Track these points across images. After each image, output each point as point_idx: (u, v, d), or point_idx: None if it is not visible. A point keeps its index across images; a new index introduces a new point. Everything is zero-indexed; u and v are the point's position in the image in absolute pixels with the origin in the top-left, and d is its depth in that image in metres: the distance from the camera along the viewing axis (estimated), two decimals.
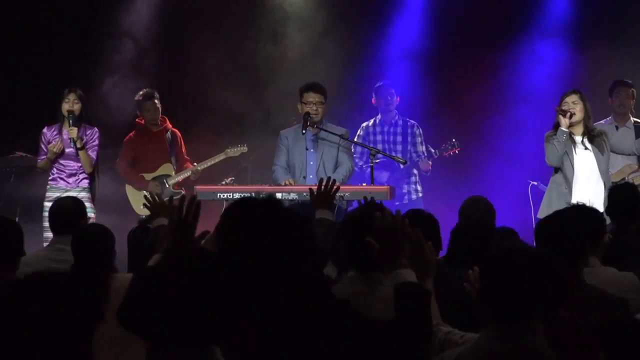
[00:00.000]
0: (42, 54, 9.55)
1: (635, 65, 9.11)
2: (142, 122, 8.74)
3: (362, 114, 9.40)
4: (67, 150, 7.98)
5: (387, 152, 8.57)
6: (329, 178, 4.58)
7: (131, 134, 8.80)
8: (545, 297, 2.97)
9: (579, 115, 7.40)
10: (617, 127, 8.32)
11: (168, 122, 8.84)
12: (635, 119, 8.35)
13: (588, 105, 7.45)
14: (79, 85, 8.23)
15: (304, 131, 7.55)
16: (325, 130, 7.65)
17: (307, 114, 7.53)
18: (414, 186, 8.84)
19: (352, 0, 10.04)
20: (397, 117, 8.88)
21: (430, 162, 8.70)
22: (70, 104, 7.92)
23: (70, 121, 7.88)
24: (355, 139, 8.74)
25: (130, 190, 8.71)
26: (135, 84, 9.23)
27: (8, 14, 9.62)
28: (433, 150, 8.70)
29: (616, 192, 6.03)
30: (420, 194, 8.85)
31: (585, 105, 7.42)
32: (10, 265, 4.20)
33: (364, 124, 8.92)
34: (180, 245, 3.18)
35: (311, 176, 7.61)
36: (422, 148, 8.80)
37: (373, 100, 8.94)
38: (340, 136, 7.64)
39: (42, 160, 8.04)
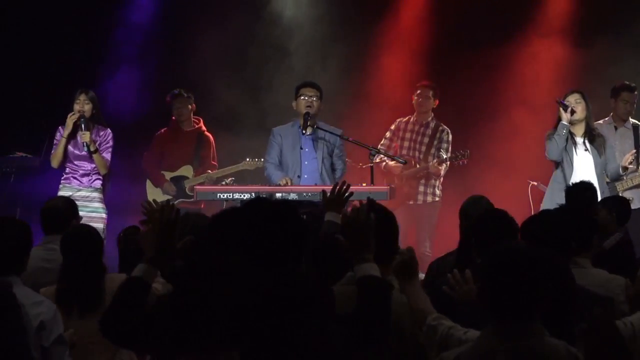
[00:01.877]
0: (42, 53, 9.55)
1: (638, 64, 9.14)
2: (174, 117, 8.81)
3: (363, 114, 9.43)
4: (80, 153, 7.98)
5: (411, 152, 8.63)
6: (343, 182, 4.64)
7: (164, 129, 8.88)
8: (545, 297, 2.98)
9: (580, 114, 7.44)
10: (616, 128, 8.31)
11: (202, 124, 8.87)
12: (634, 120, 8.35)
13: (590, 105, 7.49)
14: (79, 84, 8.24)
15: (304, 131, 7.56)
16: (324, 130, 7.65)
17: (307, 113, 7.53)
18: (431, 189, 8.85)
19: (352, 3, 10.04)
20: (430, 119, 8.93)
21: (441, 167, 8.71)
22: (81, 104, 7.94)
23: (83, 125, 7.88)
24: (387, 133, 8.92)
25: (149, 187, 8.78)
26: (135, 84, 9.25)
27: (8, 13, 9.62)
28: (445, 156, 8.73)
29: (573, 191, 6.07)
30: (437, 198, 8.84)
31: (587, 105, 7.46)
32: (17, 266, 4.22)
33: (399, 119, 9.00)
34: (163, 254, 3.19)
35: (306, 176, 7.60)
36: (446, 154, 8.81)
37: (413, 97, 8.96)
38: (340, 136, 7.65)
39: (55, 147, 7.98)
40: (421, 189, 8.83)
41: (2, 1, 9.64)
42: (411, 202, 8.75)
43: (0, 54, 9.50)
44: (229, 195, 7.24)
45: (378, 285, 3.15)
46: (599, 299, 3.82)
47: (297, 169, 7.62)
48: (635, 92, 8.34)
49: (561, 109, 7.44)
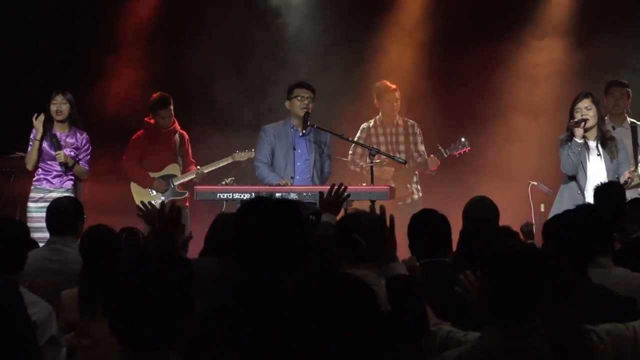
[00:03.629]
0: (42, 53, 9.54)
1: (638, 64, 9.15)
2: (152, 122, 8.75)
3: (362, 114, 9.45)
4: (53, 152, 7.95)
5: (391, 152, 8.60)
6: (340, 184, 4.64)
7: (139, 133, 8.80)
8: (546, 297, 2.98)
9: (592, 120, 7.40)
10: (613, 128, 8.31)
11: (177, 123, 8.85)
12: (632, 120, 8.36)
13: (601, 107, 7.47)
14: (78, 85, 8.24)
15: (304, 131, 7.55)
16: (323, 130, 7.64)
17: (307, 114, 7.52)
18: (415, 186, 8.88)
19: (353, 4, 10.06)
20: (397, 117, 8.92)
21: (439, 162, 8.72)
22: (58, 104, 7.91)
23: (54, 145, 7.88)
24: (356, 140, 8.77)
25: (135, 189, 8.70)
26: (136, 84, 9.26)
27: (8, 13, 9.62)
28: (443, 150, 8.72)
29: (602, 190, 6.06)
30: (420, 194, 8.89)
31: (598, 108, 7.44)
32: (17, 266, 4.23)
33: (364, 125, 8.93)
34: (163, 251, 3.22)
35: (298, 177, 7.57)
36: (422, 147, 8.83)
37: (375, 102, 8.96)
38: (340, 136, 7.65)
39: (29, 150, 7.97)
40: (408, 188, 8.85)
41: (5, 5, 9.62)
42: (400, 203, 8.75)
43: (0, 52, 9.50)
44: (229, 195, 7.21)
45: (411, 284, 3.16)
46: (621, 299, 3.81)
47: (290, 170, 7.59)
48: (627, 89, 8.36)
49: (574, 126, 7.39)
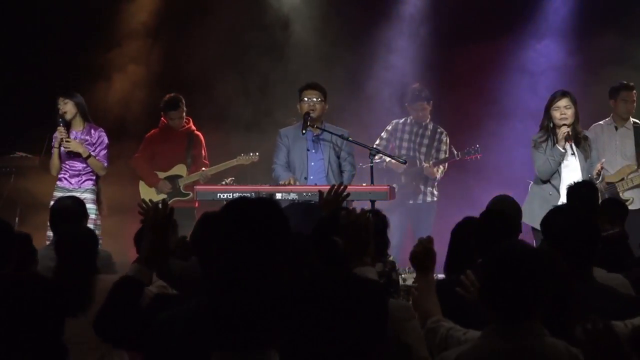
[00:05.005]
0: (42, 54, 9.55)
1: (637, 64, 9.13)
2: (166, 121, 8.79)
3: (363, 114, 9.43)
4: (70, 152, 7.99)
5: (411, 152, 8.69)
6: (340, 184, 4.65)
7: (154, 131, 8.88)
8: (545, 297, 2.97)
9: (570, 119, 7.34)
10: (616, 128, 8.30)
11: (192, 123, 8.87)
12: (635, 120, 8.33)
13: (577, 107, 7.38)
14: (78, 84, 8.24)
15: (303, 131, 7.54)
16: (327, 131, 7.64)
17: (307, 114, 7.51)
18: (430, 188, 8.90)
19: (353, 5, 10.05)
20: (428, 120, 8.95)
21: (436, 169, 8.73)
22: (62, 107, 7.93)
23: (61, 123, 7.89)
24: (383, 133, 8.93)
25: (142, 187, 8.79)
26: (136, 82, 9.26)
27: (8, 13, 9.62)
28: (456, 153, 8.72)
29: (575, 189, 6.04)
30: (436, 198, 8.90)
31: (575, 108, 7.35)
32: (1, 263, 4.20)
33: (395, 121, 9.03)
34: (156, 254, 3.19)
35: (312, 177, 7.58)
36: (444, 155, 8.83)
37: (409, 106, 8.99)
38: (340, 136, 7.64)
39: (51, 158, 8.00)
40: (422, 188, 8.85)
41: (4, 4, 9.63)
42: (411, 202, 8.77)
43: (0, 53, 9.50)
44: (229, 195, 7.19)
45: (374, 289, 3.14)
46: (626, 299, 3.79)
47: (304, 171, 7.60)
48: (634, 91, 8.33)
49: (561, 137, 7.32)
